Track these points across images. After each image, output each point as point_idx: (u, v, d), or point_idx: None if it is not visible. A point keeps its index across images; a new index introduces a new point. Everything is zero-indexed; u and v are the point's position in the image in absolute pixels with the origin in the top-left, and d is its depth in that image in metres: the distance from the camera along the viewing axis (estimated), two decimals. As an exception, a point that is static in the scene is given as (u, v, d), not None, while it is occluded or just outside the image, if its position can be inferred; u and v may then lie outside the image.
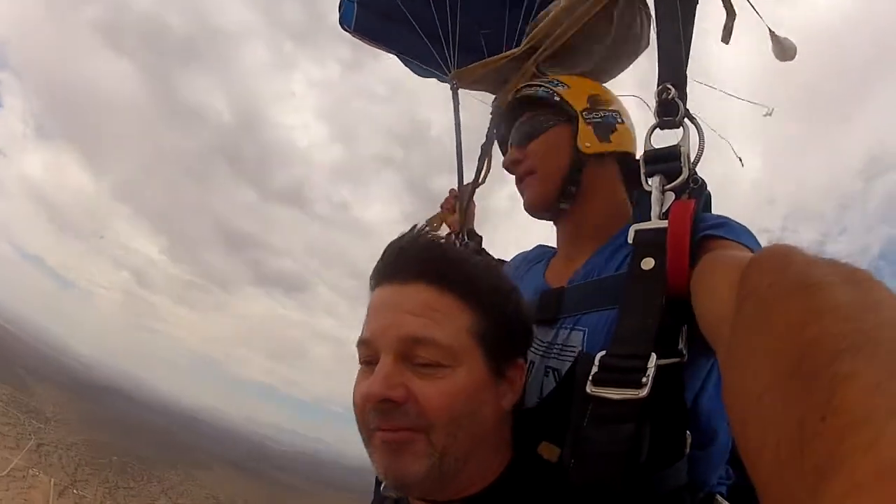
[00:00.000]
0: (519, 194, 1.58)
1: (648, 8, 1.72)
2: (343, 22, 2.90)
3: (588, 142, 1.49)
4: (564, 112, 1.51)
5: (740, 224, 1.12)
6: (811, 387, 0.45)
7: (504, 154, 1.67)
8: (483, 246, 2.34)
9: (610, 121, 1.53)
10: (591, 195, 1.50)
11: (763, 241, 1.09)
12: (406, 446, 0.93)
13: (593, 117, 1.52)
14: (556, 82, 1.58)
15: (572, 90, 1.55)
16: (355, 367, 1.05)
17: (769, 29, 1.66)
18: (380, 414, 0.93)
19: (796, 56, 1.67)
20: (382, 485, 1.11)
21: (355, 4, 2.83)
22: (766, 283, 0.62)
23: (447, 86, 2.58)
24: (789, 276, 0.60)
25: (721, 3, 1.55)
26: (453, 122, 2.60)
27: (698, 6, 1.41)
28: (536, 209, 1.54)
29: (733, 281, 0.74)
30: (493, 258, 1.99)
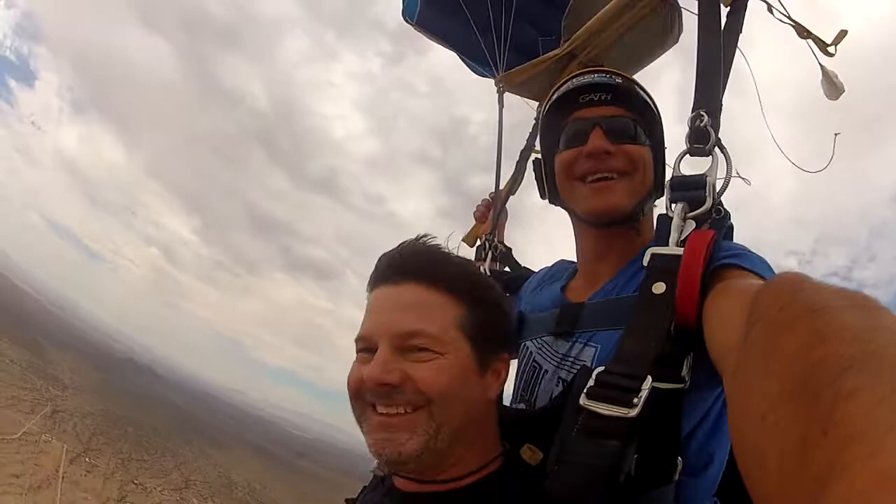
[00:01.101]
0: (580, 189, 1.42)
1: (680, 10, 1.89)
2: (406, 14, 2.95)
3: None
4: (654, 136, 1.43)
5: (758, 255, 1.12)
6: (814, 404, 0.46)
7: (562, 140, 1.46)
8: (513, 255, 2.35)
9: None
10: (646, 223, 1.44)
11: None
12: (405, 423, 1.02)
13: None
14: (647, 96, 1.46)
15: (657, 114, 1.48)
16: None
17: (821, 65, 1.72)
18: (379, 397, 1.03)
19: (843, 94, 1.78)
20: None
21: None
22: (775, 308, 0.64)
23: (487, 84, 2.70)
24: (797, 301, 0.61)
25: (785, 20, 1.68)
26: (496, 123, 2.73)
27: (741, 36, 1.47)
28: (613, 215, 1.39)
29: (742, 307, 0.77)
30: (521, 267, 2.02)
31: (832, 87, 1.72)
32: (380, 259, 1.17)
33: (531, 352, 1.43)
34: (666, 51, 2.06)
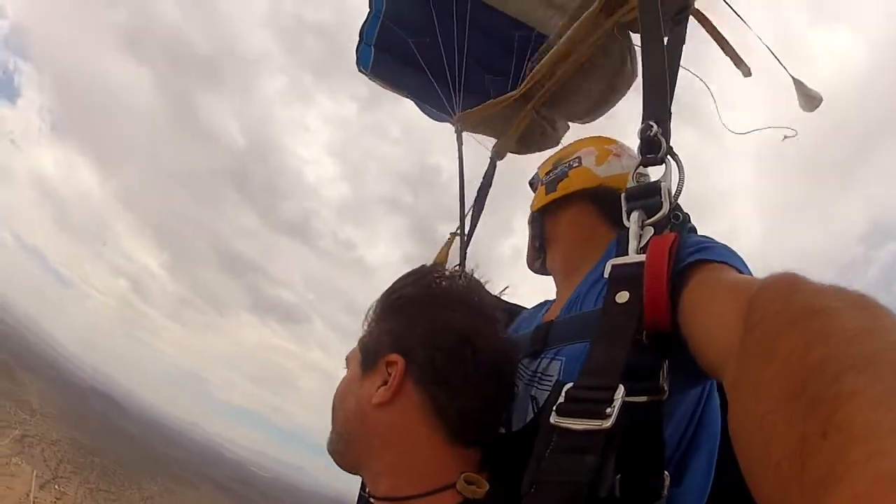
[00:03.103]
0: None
1: (633, 45, 1.87)
2: (360, 64, 3.03)
3: (535, 201, 1.75)
4: (534, 186, 1.79)
5: (722, 244, 1.12)
6: (814, 406, 0.46)
7: None
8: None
9: (562, 170, 1.68)
10: (552, 243, 1.68)
11: None
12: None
13: (548, 177, 1.72)
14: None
15: (546, 162, 1.80)
16: None
17: (793, 77, 1.74)
18: None
19: (821, 105, 1.75)
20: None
21: (372, 48, 2.96)
22: (774, 310, 0.64)
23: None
24: (796, 303, 0.61)
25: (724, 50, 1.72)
26: (457, 162, 2.71)
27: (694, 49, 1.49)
28: (533, 271, 1.80)
29: (738, 308, 0.75)
30: (498, 299, 1.83)
31: (808, 98, 1.73)
32: None
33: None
34: (623, 91, 2.05)
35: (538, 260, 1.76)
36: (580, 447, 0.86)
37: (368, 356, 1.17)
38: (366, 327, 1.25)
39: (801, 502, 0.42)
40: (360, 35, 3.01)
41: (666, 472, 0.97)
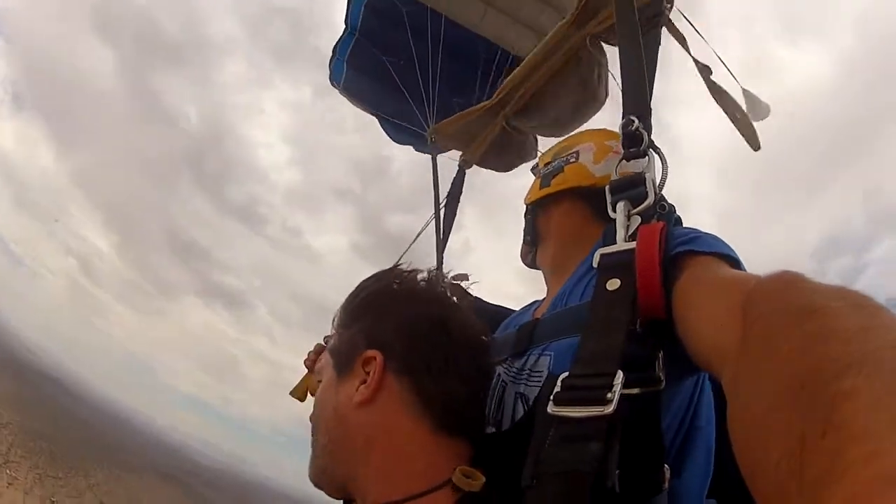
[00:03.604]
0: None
1: (606, 63, 1.94)
2: (332, 79, 3.18)
3: (529, 193, 1.77)
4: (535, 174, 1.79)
5: (711, 234, 1.11)
6: (812, 405, 0.46)
7: None
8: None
9: (559, 165, 1.69)
10: (544, 238, 1.69)
11: None
12: None
13: (546, 169, 1.73)
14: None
15: (547, 152, 1.82)
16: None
17: (742, 88, 1.74)
18: None
19: (769, 115, 1.73)
20: None
21: (345, 63, 3.08)
22: (772, 309, 0.65)
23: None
24: (795, 301, 0.62)
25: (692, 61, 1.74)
26: (420, 163, 2.87)
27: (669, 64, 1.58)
28: (525, 265, 1.80)
29: (735, 306, 0.76)
30: (476, 298, 1.99)
31: (755, 107, 1.71)
32: None
33: (499, 374, 1.39)
34: (592, 109, 2.07)
35: (530, 254, 1.77)
36: (582, 435, 0.83)
37: (342, 359, 1.14)
38: (333, 334, 1.23)
39: (800, 502, 0.42)
40: (334, 50, 3.12)
41: (666, 465, 0.95)
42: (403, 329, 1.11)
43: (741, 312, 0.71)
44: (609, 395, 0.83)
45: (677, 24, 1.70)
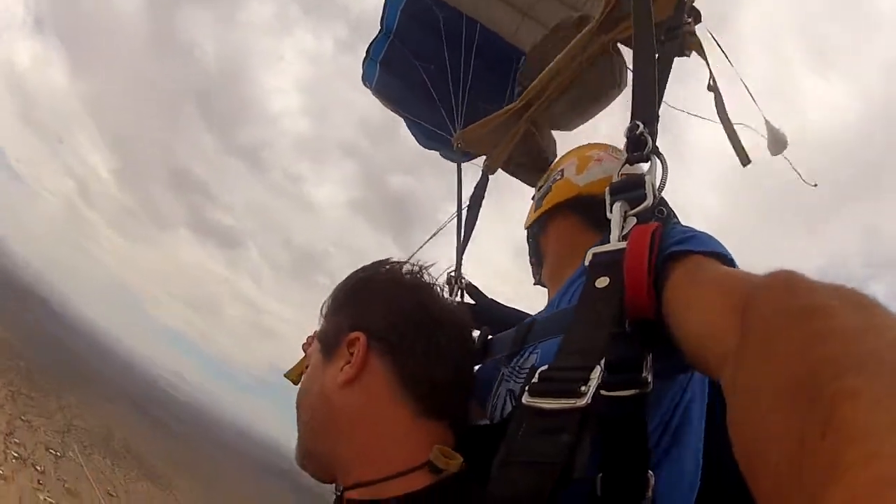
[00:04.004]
0: None
1: (625, 61, 1.97)
2: (365, 79, 3.13)
3: (527, 219, 1.83)
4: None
5: (706, 233, 1.09)
6: (812, 406, 0.45)
7: None
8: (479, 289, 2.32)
9: (548, 186, 1.74)
10: (545, 256, 1.73)
11: None
12: None
13: (538, 193, 1.79)
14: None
15: (541, 178, 1.88)
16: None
17: (765, 119, 1.74)
18: None
19: (787, 148, 1.74)
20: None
21: (378, 64, 3.02)
22: (772, 309, 0.63)
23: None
24: (794, 302, 0.60)
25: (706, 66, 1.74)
26: (456, 182, 2.82)
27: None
28: (538, 285, 1.80)
29: (733, 306, 0.74)
30: (487, 298, 2.08)
31: (775, 140, 1.70)
32: None
33: (501, 373, 1.41)
34: (607, 98, 2.09)
35: (538, 274, 1.77)
36: (553, 427, 0.81)
37: (328, 341, 1.15)
38: (321, 321, 1.23)
39: (800, 502, 0.42)
40: (368, 51, 3.10)
41: (651, 472, 0.90)
42: (387, 311, 1.13)
43: (739, 312, 0.70)
44: (583, 388, 0.82)
45: (707, 44, 1.72)
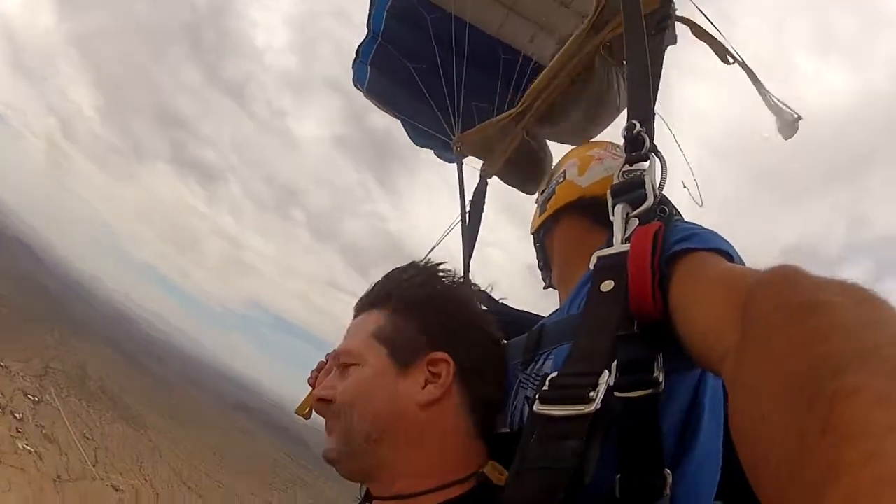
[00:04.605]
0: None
1: (624, 71, 1.89)
2: (356, 81, 3.13)
3: (532, 224, 1.82)
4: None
5: (709, 230, 1.08)
6: (813, 403, 0.45)
7: None
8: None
9: (551, 189, 1.72)
10: (553, 260, 1.72)
11: None
12: (330, 429, 1.13)
13: (541, 197, 1.78)
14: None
15: (544, 182, 1.86)
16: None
17: (775, 100, 1.71)
18: (320, 412, 1.17)
19: (797, 131, 1.72)
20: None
21: (368, 67, 3.04)
22: (773, 305, 0.62)
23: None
24: (796, 297, 0.60)
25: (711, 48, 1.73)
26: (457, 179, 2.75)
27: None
28: (549, 288, 1.77)
29: (734, 302, 0.73)
30: (498, 303, 1.93)
31: (786, 124, 1.68)
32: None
33: (518, 379, 1.35)
34: (608, 117, 2.06)
35: (547, 278, 1.77)
36: (563, 433, 0.83)
37: (400, 353, 1.12)
38: (380, 319, 1.18)
39: (800, 502, 0.42)
40: (357, 53, 3.06)
41: (667, 470, 0.91)
42: (464, 334, 1.15)
43: (741, 309, 0.70)
44: (592, 393, 0.82)
45: (698, 19, 1.70)
